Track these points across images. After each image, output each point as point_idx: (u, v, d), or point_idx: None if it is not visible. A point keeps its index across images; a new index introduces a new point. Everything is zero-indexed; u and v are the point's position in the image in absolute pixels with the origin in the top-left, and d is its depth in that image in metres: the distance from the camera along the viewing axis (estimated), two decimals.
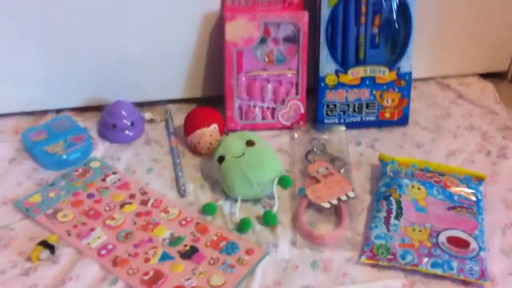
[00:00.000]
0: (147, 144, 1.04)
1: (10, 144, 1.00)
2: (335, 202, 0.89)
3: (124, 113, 1.03)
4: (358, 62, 1.08)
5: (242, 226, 0.86)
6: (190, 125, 1.02)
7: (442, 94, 1.22)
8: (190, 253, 0.81)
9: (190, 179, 0.96)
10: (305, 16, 1.04)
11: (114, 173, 0.96)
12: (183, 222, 0.87)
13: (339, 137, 1.06)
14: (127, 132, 1.03)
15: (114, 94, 1.07)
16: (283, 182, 0.90)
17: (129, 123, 1.03)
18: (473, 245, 0.82)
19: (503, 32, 1.23)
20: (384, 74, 1.08)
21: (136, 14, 1.02)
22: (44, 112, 1.08)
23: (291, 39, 1.06)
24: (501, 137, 1.09)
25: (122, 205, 0.89)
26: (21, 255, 0.80)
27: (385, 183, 0.93)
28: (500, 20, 1.21)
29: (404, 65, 1.08)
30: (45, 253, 0.79)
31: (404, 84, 1.09)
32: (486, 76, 1.28)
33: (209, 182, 0.96)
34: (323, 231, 0.87)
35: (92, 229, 0.84)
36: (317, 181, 0.93)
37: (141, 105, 1.11)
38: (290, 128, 1.10)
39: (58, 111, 1.09)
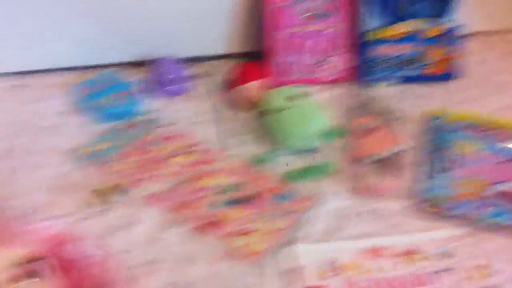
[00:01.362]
0: (194, 98, 1.05)
1: (60, 99, 1.03)
2: (388, 153, 0.89)
3: (169, 68, 1.04)
4: (402, 17, 1.06)
5: (296, 175, 0.88)
6: (235, 80, 1.02)
7: (493, 49, 1.19)
8: (249, 199, 0.84)
9: (234, 132, 0.98)
10: None
11: (165, 125, 0.98)
12: (238, 170, 0.89)
13: (383, 92, 1.06)
14: (172, 87, 1.05)
15: (160, 50, 1.08)
16: (328, 135, 0.91)
17: (175, 78, 1.04)
18: None
19: None
20: (430, 29, 1.06)
21: None
22: (94, 68, 1.09)
23: None
24: None
25: (176, 155, 0.92)
26: (88, 199, 0.84)
27: (437, 136, 0.93)
28: None
29: (450, 20, 1.06)
30: (113, 197, 0.83)
31: (450, 38, 1.07)
32: None
33: (253, 135, 0.97)
34: (379, 181, 0.87)
35: (152, 176, 0.87)
36: (364, 134, 0.94)
37: (187, 61, 1.12)
38: (333, 83, 1.09)
39: (104, 66, 1.10)
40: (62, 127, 0.97)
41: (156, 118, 0.99)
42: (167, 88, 1.04)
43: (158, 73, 1.04)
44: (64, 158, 0.91)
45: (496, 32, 1.23)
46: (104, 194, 0.82)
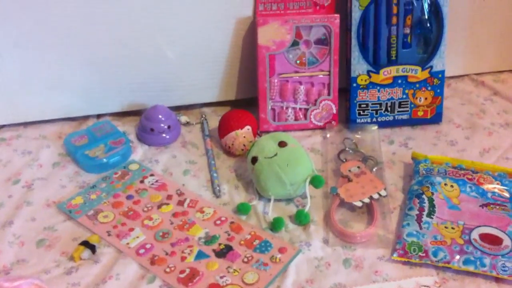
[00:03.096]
0: (183, 147, 1.07)
1: (54, 149, 1.05)
2: (367, 200, 0.90)
3: (161, 117, 1.06)
4: (390, 62, 1.08)
5: (275, 225, 0.88)
6: (224, 127, 1.04)
7: (476, 91, 1.21)
8: (224, 252, 0.84)
9: (224, 180, 0.99)
10: (336, 19, 1.06)
11: (152, 175, 0.99)
12: (218, 222, 0.89)
13: (371, 136, 1.07)
14: (164, 135, 1.07)
15: (152, 99, 1.11)
16: (316, 181, 0.92)
17: (166, 127, 1.07)
18: (506, 241, 0.82)
19: None
20: (417, 73, 1.08)
21: (171, 20, 1.06)
22: (86, 118, 1.12)
23: (323, 41, 1.08)
24: None
25: (159, 206, 0.92)
26: (64, 255, 0.84)
27: (418, 181, 0.93)
28: None
29: (437, 63, 1.08)
30: (86, 253, 0.83)
31: (437, 82, 1.09)
32: None
33: (243, 182, 0.99)
34: (355, 230, 0.88)
35: (131, 229, 0.88)
36: (350, 180, 0.95)
37: (178, 108, 1.15)
38: (322, 128, 1.11)
39: (98, 116, 1.13)
40: (53, 178, 0.99)
41: (146, 167, 1.01)
42: (158, 137, 1.07)
43: (150, 122, 1.06)
44: (51, 212, 0.92)
45: (484, 74, 1.25)
46: (86, 248, 0.83)
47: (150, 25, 1.05)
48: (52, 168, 1.01)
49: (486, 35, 1.20)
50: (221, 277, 0.80)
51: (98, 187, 0.96)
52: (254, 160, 0.94)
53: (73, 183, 0.98)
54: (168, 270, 0.81)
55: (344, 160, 1.00)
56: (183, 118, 1.13)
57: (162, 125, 1.06)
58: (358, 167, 0.97)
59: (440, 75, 1.09)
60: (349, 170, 0.96)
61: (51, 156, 1.04)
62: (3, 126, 1.10)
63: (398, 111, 1.10)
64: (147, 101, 1.12)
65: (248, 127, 1.04)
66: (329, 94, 1.10)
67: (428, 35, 1.08)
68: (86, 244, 0.84)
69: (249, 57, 1.12)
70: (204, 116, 1.14)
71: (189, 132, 1.11)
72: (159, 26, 1.06)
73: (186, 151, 1.06)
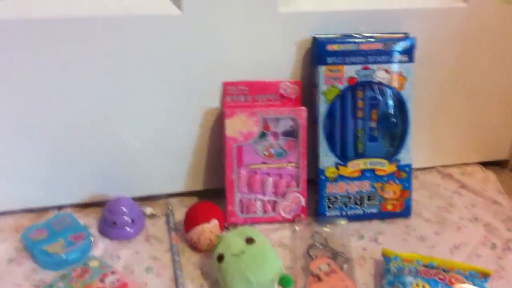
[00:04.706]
0: (147, 241, 1.03)
1: (10, 244, 1.00)
2: None
3: (124, 209, 1.03)
4: (358, 155, 1.08)
5: None
6: (190, 221, 1.01)
7: (444, 184, 1.22)
8: None
9: (189, 279, 0.95)
10: (303, 112, 1.06)
11: (113, 272, 0.94)
12: None
13: (341, 230, 1.05)
14: (127, 229, 1.03)
15: (115, 190, 1.07)
16: (284, 281, 0.88)
17: (129, 220, 1.03)
18: None
19: (502, 121, 1.24)
20: (384, 167, 1.08)
21: (136, 110, 1.04)
22: (46, 209, 1.08)
23: (291, 134, 1.08)
24: (505, 229, 1.08)
25: None
26: None
27: (389, 281, 0.91)
28: (497, 109, 1.23)
29: (404, 157, 1.08)
30: None
31: (404, 176, 1.09)
32: (487, 164, 1.28)
33: (209, 281, 0.94)
34: None
35: None
36: (319, 279, 0.92)
37: (143, 199, 1.11)
38: (291, 221, 1.09)
39: (59, 207, 1.09)
40: (7, 276, 0.93)
41: (107, 264, 0.96)
42: (121, 230, 1.02)
43: (112, 215, 1.02)
44: None
45: (450, 166, 1.26)
46: None
47: (114, 114, 1.04)
48: (7, 264, 0.95)
49: (450, 129, 1.22)
50: None
51: (55, 287, 0.90)
52: (221, 258, 0.90)
53: (28, 281, 0.92)
54: None
55: (314, 257, 0.98)
56: (148, 210, 1.09)
57: (125, 218, 1.02)
58: (328, 264, 0.95)
59: (407, 169, 1.09)
60: (319, 268, 0.94)
61: (7, 251, 0.98)
62: None
63: (367, 205, 1.09)
64: (110, 192, 1.08)
65: (214, 220, 1.01)
66: (297, 186, 1.09)
67: (394, 129, 1.09)
68: None
69: (216, 148, 1.10)
70: (170, 207, 1.11)
71: (154, 225, 1.07)
72: (123, 116, 1.04)
73: (150, 246, 1.02)
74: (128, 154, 1.08)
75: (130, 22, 0.97)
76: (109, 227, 1.03)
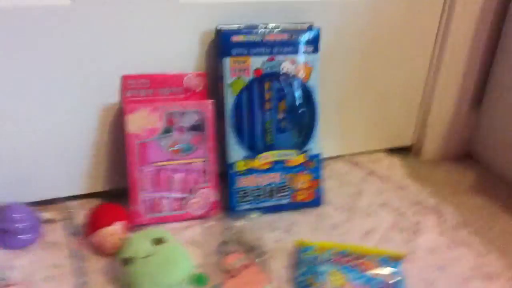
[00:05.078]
0: (46, 248, 0.95)
1: None
2: None
3: (16, 216, 0.94)
4: (267, 147, 1.06)
5: None
6: (92, 225, 0.95)
7: (352, 171, 1.23)
8: None
9: (95, 286, 0.88)
10: (209, 105, 1.02)
11: (9, 285, 0.85)
12: None
13: (253, 224, 1.03)
14: (21, 236, 0.94)
15: (7, 195, 0.99)
16: (198, 280, 0.85)
17: (24, 226, 0.94)
18: None
19: (404, 109, 1.27)
20: (294, 157, 1.07)
21: (29, 108, 0.96)
22: None
23: (197, 128, 1.04)
24: (412, 213, 1.10)
25: None
26: None
27: (303, 271, 0.89)
28: (400, 98, 1.26)
29: (312, 147, 1.08)
30: None
31: (314, 165, 1.08)
32: (393, 151, 1.31)
33: (117, 287, 0.88)
34: None
35: None
36: (235, 274, 0.88)
37: (39, 204, 1.03)
38: (202, 217, 1.05)
39: None
40: None
41: (2, 275, 0.88)
42: (16, 238, 0.94)
43: (4, 223, 0.94)
44: None
45: (358, 155, 1.28)
46: None
47: (4, 114, 0.95)
48: None
49: (357, 118, 1.24)
50: None
51: None
52: (127, 261, 0.85)
53: None
54: None
55: (227, 253, 0.94)
56: (45, 215, 1.01)
57: (17, 225, 0.94)
58: (242, 259, 0.92)
59: (316, 159, 1.08)
60: (234, 263, 0.90)
61: None
62: None
63: (278, 196, 1.07)
64: (2, 198, 0.99)
65: (119, 222, 0.95)
66: (207, 181, 1.05)
67: (302, 120, 1.08)
68: None
69: (118, 145, 1.04)
70: (70, 211, 1.03)
71: (52, 231, 0.99)
72: (15, 115, 0.96)
73: (49, 253, 0.94)
74: (22, 157, 0.99)
75: (17, 14, 0.89)
76: (1, 235, 0.94)
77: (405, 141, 1.32)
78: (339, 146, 1.26)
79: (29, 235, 0.95)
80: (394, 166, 1.26)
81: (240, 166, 1.04)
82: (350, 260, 0.91)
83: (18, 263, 0.91)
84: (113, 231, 0.93)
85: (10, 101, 0.94)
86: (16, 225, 0.94)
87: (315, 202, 1.10)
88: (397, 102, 1.26)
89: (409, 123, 1.30)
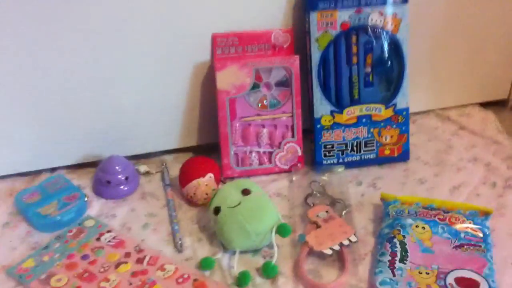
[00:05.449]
0: (142, 198, 1.02)
1: (4, 208, 0.98)
2: (337, 247, 0.86)
3: (118, 168, 1.01)
4: (353, 102, 1.06)
5: (242, 280, 0.83)
6: (185, 176, 1.00)
7: (442, 126, 1.20)
8: None
9: (187, 233, 0.94)
10: (296, 60, 1.03)
11: (109, 231, 0.93)
12: (180, 280, 0.83)
13: (338, 177, 1.04)
14: (121, 187, 1.01)
15: (108, 149, 1.06)
16: (282, 230, 0.87)
17: (123, 178, 1.01)
18: (483, 285, 0.78)
19: (501, 59, 1.21)
20: (381, 112, 1.06)
21: (125, 69, 1.02)
22: (38, 172, 1.06)
23: (284, 83, 1.05)
24: (505, 167, 1.06)
25: (117, 265, 0.86)
26: None
27: (388, 224, 0.90)
28: (496, 47, 1.20)
29: (400, 101, 1.06)
30: None
31: (401, 120, 1.07)
32: (486, 105, 1.26)
33: (207, 234, 0.93)
34: (326, 279, 0.83)
35: None
36: (318, 226, 0.91)
37: (136, 157, 1.10)
38: (288, 171, 1.07)
39: (52, 170, 1.07)
40: (3, 240, 0.92)
41: (103, 223, 0.95)
42: (116, 189, 1.01)
43: (106, 174, 1.01)
44: (0, 277, 0.85)
45: (448, 109, 1.24)
46: None
47: (103, 75, 1.01)
48: (1, 228, 0.95)
49: (448, 70, 1.20)
50: None
51: (51, 248, 0.90)
52: (217, 210, 0.89)
53: (24, 244, 0.91)
54: None
55: (312, 205, 0.96)
56: (142, 168, 1.08)
57: (119, 176, 1.01)
58: (327, 211, 0.93)
59: (404, 113, 1.07)
60: (317, 216, 0.92)
61: (1, 216, 0.97)
62: None
63: (364, 151, 1.07)
64: (103, 152, 1.06)
65: (210, 174, 1.00)
66: (293, 136, 1.07)
67: (390, 73, 1.06)
68: None
69: (209, 102, 1.08)
70: (164, 164, 1.09)
71: (149, 182, 1.06)
72: (113, 76, 1.02)
73: (146, 203, 1.01)
74: (120, 114, 1.06)
75: None
76: (103, 187, 1.01)
77: (501, 94, 1.26)
78: (429, 100, 1.22)
79: (129, 186, 1.02)
80: (488, 120, 1.21)
81: (326, 121, 1.05)
82: (437, 214, 0.90)
83: (119, 212, 0.99)
84: (205, 182, 0.98)
85: (112, 62, 1.00)
86: (118, 176, 1.01)
87: (402, 156, 1.09)
88: (493, 53, 1.20)
89: (506, 75, 1.24)
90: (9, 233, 0.94)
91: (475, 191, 1.01)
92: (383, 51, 1.04)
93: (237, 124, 1.06)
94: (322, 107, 1.05)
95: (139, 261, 0.87)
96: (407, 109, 1.07)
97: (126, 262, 0.87)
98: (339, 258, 0.87)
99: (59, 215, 0.94)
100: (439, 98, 1.23)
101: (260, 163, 1.07)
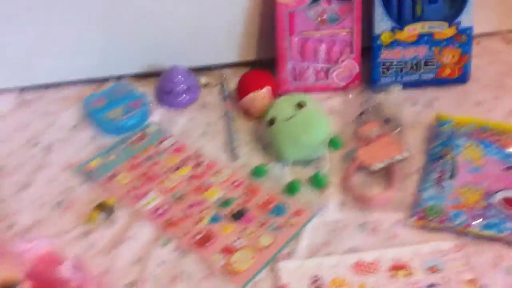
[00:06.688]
0: (202, 108, 1.06)
1: (73, 111, 1.05)
2: (386, 163, 0.88)
3: (180, 78, 1.05)
4: (415, 18, 1.04)
5: (292, 188, 0.87)
6: (243, 89, 1.03)
7: (507, 49, 1.16)
8: (239, 215, 0.84)
9: (242, 142, 0.98)
10: None
11: (170, 137, 0.99)
12: (235, 184, 0.89)
13: (394, 97, 1.04)
14: (183, 96, 1.06)
15: (171, 60, 1.09)
16: (334, 143, 0.90)
17: (185, 88, 1.05)
18: None
19: None
20: (443, 30, 1.03)
21: None
22: (105, 80, 1.12)
23: None
24: None
25: (176, 168, 0.92)
26: (81, 217, 0.85)
27: (440, 143, 0.91)
28: None
29: (465, 19, 1.03)
30: (103, 215, 0.83)
31: (464, 39, 1.04)
32: None
33: (261, 145, 0.97)
34: (373, 193, 0.86)
35: (148, 192, 0.88)
36: (369, 142, 0.92)
37: (197, 70, 1.13)
38: (344, 88, 1.08)
39: (118, 78, 1.13)
40: (72, 141, 0.99)
41: (165, 129, 1.01)
42: (177, 98, 1.06)
43: (168, 84, 1.05)
44: (69, 174, 0.92)
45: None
46: (102, 211, 0.83)
47: None
48: (71, 130, 1.02)
49: None
50: (236, 240, 0.80)
51: (116, 150, 0.96)
52: (271, 122, 0.92)
53: (91, 145, 0.98)
54: (182, 232, 0.81)
55: (365, 122, 0.98)
56: (203, 80, 1.11)
57: (181, 86, 1.05)
58: (379, 128, 0.95)
59: (468, 32, 1.04)
60: (369, 132, 0.94)
61: (71, 119, 1.04)
62: (24, 88, 1.10)
63: (423, 70, 1.06)
64: (166, 63, 1.10)
65: (267, 87, 1.02)
66: (351, 53, 1.07)
67: None
68: (102, 206, 0.84)
69: (268, 16, 1.08)
70: (224, 77, 1.12)
71: (208, 94, 1.10)
72: None
73: (205, 113, 1.05)
74: (182, 26, 1.08)
75: None
76: (166, 95, 1.06)
77: None
78: (495, 21, 1.18)
79: (189, 96, 1.07)
80: None
81: (386, 38, 1.04)
82: (490, 135, 0.89)
83: (179, 120, 1.04)
84: (261, 95, 1.01)
85: None
86: (180, 86, 1.05)
87: (461, 78, 1.07)
88: None
89: None
90: (77, 135, 1.01)
91: None
92: None
93: (296, 39, 1.06)
94: (382, 23, 1.03)
95: (197, 165, 0.93)
96: (471, 28, 1.04)
97: (185, 166, 0.92)
98: (387, 174, 0.89)
99: (124, 120, 1.00)
100: (507, 19, 1.18)
101: (317, 79, 1.09)
